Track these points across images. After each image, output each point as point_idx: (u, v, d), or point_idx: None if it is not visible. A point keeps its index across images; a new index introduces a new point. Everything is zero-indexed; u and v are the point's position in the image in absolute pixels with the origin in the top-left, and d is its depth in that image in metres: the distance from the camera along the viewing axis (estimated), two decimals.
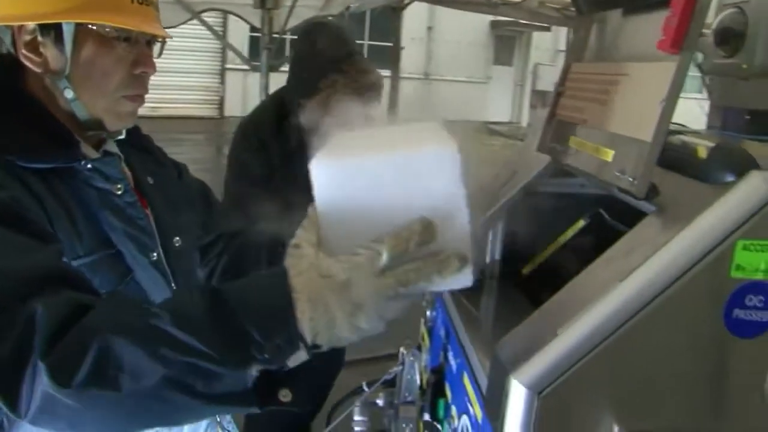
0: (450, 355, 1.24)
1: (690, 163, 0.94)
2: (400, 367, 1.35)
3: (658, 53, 0.93)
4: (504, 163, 1.49)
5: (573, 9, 1.33)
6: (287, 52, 3.98)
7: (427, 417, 1.28)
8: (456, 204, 0.76)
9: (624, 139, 0.99)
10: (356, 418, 1.40)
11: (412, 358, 1.35)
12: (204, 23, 4.32)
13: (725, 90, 1.43)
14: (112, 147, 1.18)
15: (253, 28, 4.35)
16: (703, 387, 0.85)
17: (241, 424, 2.15)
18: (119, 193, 1.12)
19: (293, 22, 3.95)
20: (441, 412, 1.19)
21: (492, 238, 1.40)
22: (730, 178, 0.85)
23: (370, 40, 15.43)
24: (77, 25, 1.05)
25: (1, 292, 0.82)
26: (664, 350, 0.83)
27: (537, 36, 19.04)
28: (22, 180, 1.00)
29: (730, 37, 1.17)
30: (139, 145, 1.28)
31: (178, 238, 1.25)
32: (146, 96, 1.16)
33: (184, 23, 4.14)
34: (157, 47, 1.17)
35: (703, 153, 0.91)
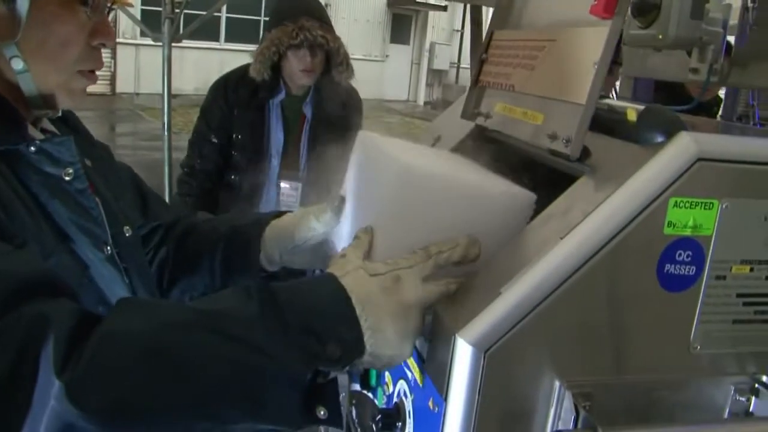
0: None
1: (619, 126, 0.97)
2: None
3: (588, 18, 0.95)
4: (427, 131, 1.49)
5: None
6: (182, 27, 3.85)
7: (356, 387, 1.27)
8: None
9: (555, 102, 1.01)
10: None
11: None
12: None
13: (636, 61, 1.49)
14: (48, 126, 1.05)
15: (144, 1, 4.15)
16: (636, 341, 0.88)
17: None
18: (68, 179, 0.98)
19: None
20: (373, 380, 1.18)
21: None
22: (660, 139, 0.88)
23: (266, 16, 15.15)
24: None
25: None
26: (602, 305, 0.85)
27: (433, 15, 19.27)
28: None
29: (646, 9, 1.21)
30: (68, 122, 1.13)
31: (127, 227, 1.12)
32: None
33: None
34: (113, 13, 1.05)
35: (633, 116, 0.94)
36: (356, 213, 1.08)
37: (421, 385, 0.96)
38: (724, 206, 0.86)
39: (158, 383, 0.71)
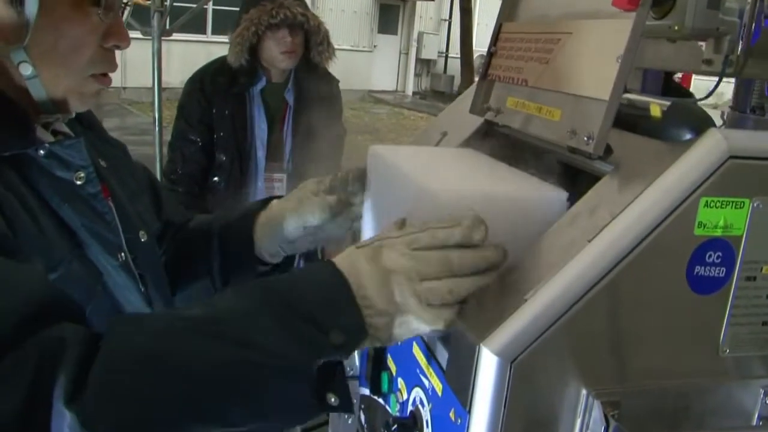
0: None
1: (642, 122, 0.93)
2: None
3: (608, 10, 0.91)
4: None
5: None
6: (168, 21, 3.78)
7: (366, 391, 1.23)
8: None
9: (574, 98, 0.97)
10: None
11: None
12: None
13: (646, 52, 1.45)
14: (61, 127, 1.00)
15: None
16: (664, 346, 0.85)
17: None
18: (80, 182, 0.94)
19: None
20: (385, 386, 1.15)
21: None
22: (688, 136, 0.85)
23: None
24: None
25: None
26: (630, 310, 0.82)
27: (421, 5, 19.20)
28: None
29: None
30: (81, 121, 1.07)
31: (143, 231, 1.07)
32: None
33: None
34: (126, 12, 1.00)
35: (657, 111, 0.90)
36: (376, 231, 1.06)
37: (440, 394, 0.93)
38: (755, 205, 0.83)
39: (164, 396, 0.70)
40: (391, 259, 0.78)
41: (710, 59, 1.26)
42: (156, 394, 0.69)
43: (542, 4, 1.18)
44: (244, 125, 2.59)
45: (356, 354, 1.27)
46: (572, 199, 0.93)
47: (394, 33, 19.12)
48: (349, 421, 1.19)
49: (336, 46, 2.72)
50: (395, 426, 1.00)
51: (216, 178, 2.62)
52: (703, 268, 0.83)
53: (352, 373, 1.25)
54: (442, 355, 0.92)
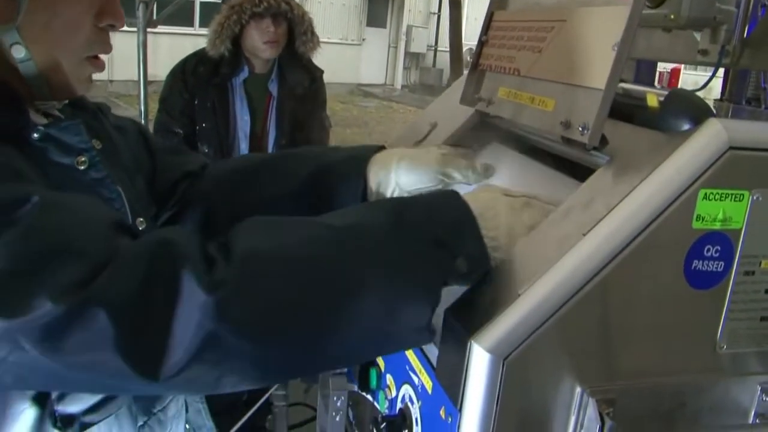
0: None
1: (639, 112, 0.90)
2: None
3: None
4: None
5: None
6: (155, 14, 3.72)
7: (354, 387, 1.21)
8: None
9: (568, 87, 0.94)
10: (275, 392, 1.31)
11: None
12: None
13: (639, 42, 1.42)
14: (54, 112, 0.94)
15: None
16: (661, 342, 0.83)
17: None
18: (83, 168, 0.90)
19: None
20: (374, 382, 1.12)
21: None
22: (687, 126, 0.82)
23: None
24: None
25: (98, 236, 0.71)
26: (626, 305, 0.80)
27: None
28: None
29: None
30: (74, 103, 1.00)
31: (141, 218, 1.01)
32: None
33: None
34: None
35: (654, 101, 0.88)
36: None
37: (430, 392, 0.90)
38: (755, 198, 0.81)
39: (304, 299, 0.73)
40: (532, 218, 0.87)
41: (706, 49, 1.24)
42: (295, 295, 0.72)
43: None
44: (227, 117, 2.54)
45: None
46: None
47: (383, 26, 19.03)
48: (337, 419, 1.16)
49: (325, 39, 2.67)
50: (384, 424, 0.97)
51: None
52: (701, 262, 0.81)
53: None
54: (432, 352, 0.89)
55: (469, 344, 0.77)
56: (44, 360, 0.67)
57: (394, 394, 1.05)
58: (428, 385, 0.91)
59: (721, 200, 0.79)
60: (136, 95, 3.73)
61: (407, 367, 0.98)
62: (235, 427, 1.34)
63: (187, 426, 1.14)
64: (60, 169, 0.88)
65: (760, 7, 1.20)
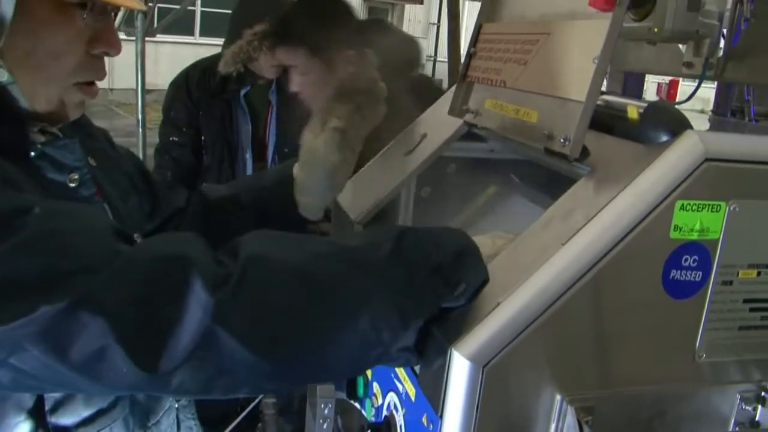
0: None
1: (619, 124, 0.92)
2: None
3: (585, 11, 0.90)
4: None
5: None
6: (156, 22, 3.74)
7: (342, 395, 1.21)
8: None
9: (551, 99, 0.96)
10: (265, 400, 1.32)
11: None
12: None
13: (627, 55, 1.44)
14: (50, 128, 0.94)
15: None
16: (640, 351, 0.84)
17: None
18: (74, 185, 0.91)
19: None
20: (360, 390, 1.13)
21: (403, 203, 1.34)
22: (665, 138, 0.83)
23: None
24: None
25: (100, 241, 0.73)
26: (605, 315, 0.81)
27: (409, 8, 19.22)
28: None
29: (641, 1, 1.16)
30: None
31: (136, 234, 1.02)
32: None
33: None
34: (119, 17, 0.95)
35: (634, 113, 0.89)
36: None
37: (413, 399, 0.91)
38: (731, 208, 0.82)
39: (303, 310, 0.74)
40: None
41: (690, 62, 1.26)
42: (294, 305, 0.73)
43: (521, 4, 1.17)
44: (231, 128, 2.57)
45: None
46: None
47: None
48: (324, 426, 1.16)
49: None
50: (369, 431, 0.98)
51: (204, 182, 2.60)
52: (679, 272, 0.82)
53: None
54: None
55: (449, 352, 0.78)
56: (45, 359, 0.68)
57: (380, 401, 1.06)
58: (411, 392, 0.92)
59: (698, 211, 0.81)
60: (135, 104, 3.76)
61: (392, 375, 0.99)
62: None
63: None
64: (54, 186, 0.89)
65: (743, 21, 1.22)
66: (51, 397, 0.88)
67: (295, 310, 0.73)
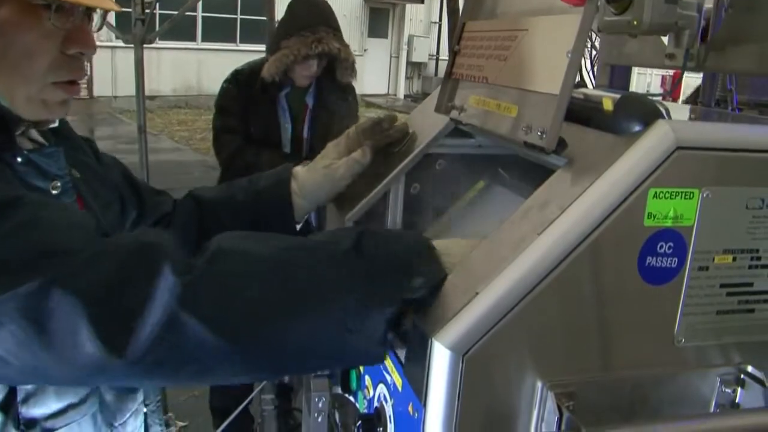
0: None
1: (595, 115, 0.94)
2: None
3: (560, 6, 0.92)
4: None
5: None
6: (157, 26, 3.77)
7: (337, 390, 1.24)
8: None
9: (529, 94, 0.98)
10: (264, 396, 1.34)
11: None
12: None
13: (613, 48, 1.46)
14: (36, 136, 0.98)
15: (119, 2, 4.03)
16: (619, 337, 0.86)
17: None
18: (56, 192, 0.94)
19: None
20: (353, 384, 1.15)
21: (392, 201, 1.36)
22: (637, 128, 0.85)
23: (242, 14, 15.03)
24: None
25: (82, 230, 0.79)
26: (582, 302, 0.83)
27: (411, 8, 19.22)
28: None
29: None
30: (58, 132, 1.04)
31: None
32: None
33: None
34: (96, 17, 0.96)
35: (609, 105, 0.91)
36: None
37: (400, 389, 0.94)
38: (705, 195, 0.84)
39: (265, 296, 0.77)
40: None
41: (673, 54, 1.28)
42: (257, 295, 0.76)
43: (502, 2, 1.19)
44: (274, 125, 2.86)
45: None
46: None
47: (385, 36, 19.13)
48: (319, 419, 1.19)
49: None
50: (359, 422, 1.00)
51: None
52: (654, 258, 0.84)
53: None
54: (401, 350, 0.92)
55: (429, 342, 0.80)
56: (22, 335, 0.71)
57: (371, 393, 1.08)
58: (399, 383, 0.94)
59: (671, 198, 0.83)
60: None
61: (381, 367, 1.02)
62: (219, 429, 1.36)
63: None
64: (36, 192, 0.91)
65: (723, 11, 1.24)
66: (23, 389, 0.90)
67: (259, 295, 0.77)
